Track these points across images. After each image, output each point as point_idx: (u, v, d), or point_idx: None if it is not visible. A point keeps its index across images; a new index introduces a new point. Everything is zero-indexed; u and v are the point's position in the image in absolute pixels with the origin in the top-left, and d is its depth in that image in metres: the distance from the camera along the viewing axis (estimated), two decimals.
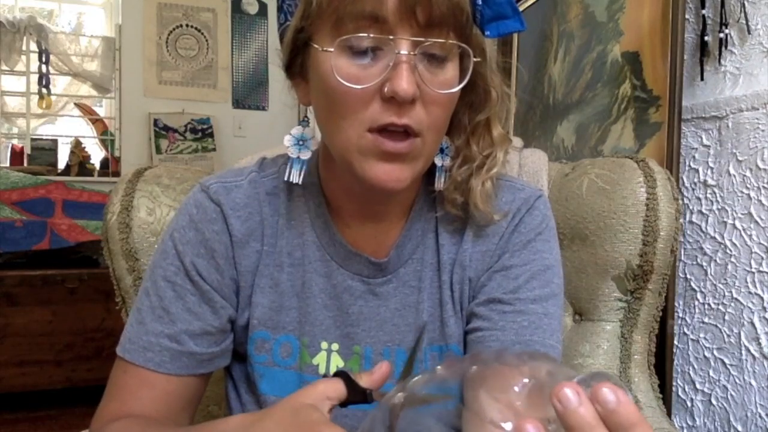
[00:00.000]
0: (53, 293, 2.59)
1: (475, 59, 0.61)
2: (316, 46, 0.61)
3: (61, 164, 3.34)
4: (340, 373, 0.55)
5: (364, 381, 0.55)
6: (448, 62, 0.60)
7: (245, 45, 3.60)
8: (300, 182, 0.69)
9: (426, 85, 0.59)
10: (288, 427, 0.50)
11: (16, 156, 3.30)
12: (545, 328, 0.68)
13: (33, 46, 3.33)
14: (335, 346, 0.71)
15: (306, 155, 0.69)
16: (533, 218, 0.72)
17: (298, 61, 0.66)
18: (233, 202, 0.71)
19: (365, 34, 0.57)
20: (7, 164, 3.26)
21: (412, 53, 0.57)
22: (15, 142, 3.41)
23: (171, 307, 0.69)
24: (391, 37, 0.57)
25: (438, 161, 0.69)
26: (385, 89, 0.58)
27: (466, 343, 0.72)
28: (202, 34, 3.53)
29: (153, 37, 3.43)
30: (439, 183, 0.69)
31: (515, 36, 1.68)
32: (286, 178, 0.69)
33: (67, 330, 2.61)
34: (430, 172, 0.70)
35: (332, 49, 0.58)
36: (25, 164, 3.26)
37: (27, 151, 3.33)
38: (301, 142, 0.69)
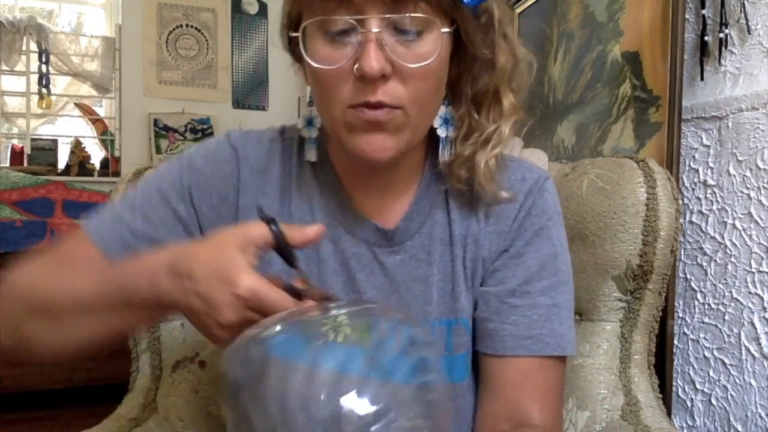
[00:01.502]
0: None
1: (444, 30, 0.61)
2: (293, 34, 0.63)
3: (61, 164, 3.34)
4: (270, 220, 0.55)
5: (295, 237, 0.56)
6: (425, 34, 0.60)
7: (245, 45, 3.59)
8: (316, 160, 0.72)
9: (398, 59, 0.59)
10: (212, 270, 0.52)
11: (16, 156, 3.30)
12: (554, 319, 0.70)
13: (33, 46, 3.32)
14: None
15: (314, 134, 0.71)
16: (545, 200, 0.73)
17: (291, 47, 0.68)
18: (249, 154, 0.72)
19: (325, 17, 0.59)
20: (7, 164, 3.26)
21: (376, 30, 0.58)
22: (15, 142, 3.41)
23: (150, 212, 0.69)
24: (348, 17, 0.58)
25: (442, 132, 0.69)
26: (355, 68, 0.59)
27: (476, 325, 0.73)
28: (202, 34, 3.53)
29: (153, 37, 3.43)
30: (443, 155, 0.69)
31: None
32: (306, 159, 0.72)
33: None
34: (437, 145, 0.70)
35: (298, 35, 0.61)
36: (25, 164, 3.25)
37: (27, 151, 3.33)
38: (310, 122, 0.71)
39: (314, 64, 0.61)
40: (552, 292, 0.71)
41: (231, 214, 0.71)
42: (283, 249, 0.55)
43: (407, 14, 0.58)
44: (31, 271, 0.64)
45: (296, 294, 0.54)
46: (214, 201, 0.71)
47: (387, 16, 0.58)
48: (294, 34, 0.62)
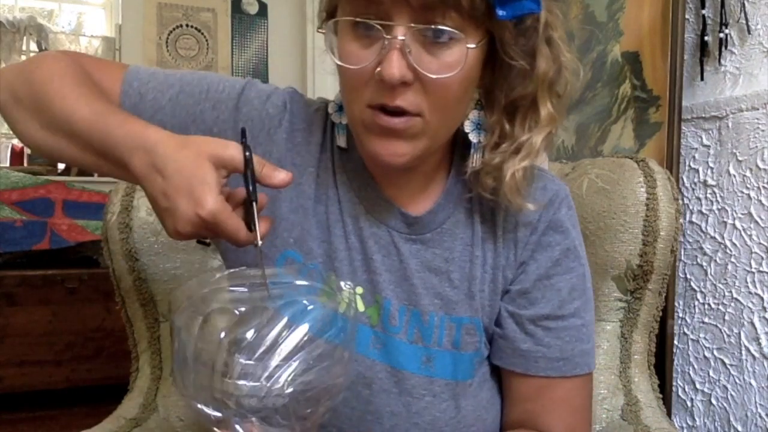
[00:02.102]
0: (53, 293, 2.58)
1: (470, 46, 0.59)
2: (321, 31, 0.64)
3: (62, 164, 3.34)
4: (247, 147, 0.56)
5: (264, 172, 0.58)
6: (454, 43, 0.59)
7: (245, 45, 3.59)
8: (346, 147, 0.72)
9: (421, 69, 0.58)
10: (184, 179, 0.54)
11: (16, 156, 3.30)
12: (583, 338, 0.73)
13: (33, 46, 3.32)
14: (359, 290, 0.71)
15: (345, 120, 0.70)
16: (569, 216, 0.73)
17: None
18: (296, 112, 0.73)
19: (353, 18, 0.59)
20: (7, 164, 3.26)
21: (401, 38, 0.57)
22: (15, 142, 3.41)
23: (183, 98, 0.70)
24: (375, 21, 0.58)
25: (474, 138, 0.68)
26: (376, 71, 0.59)
27: (500, 339, 0.73)
28: (202, 34, 3.53)
29: (153, 37, 3.43)
30: (473, 161, 0.68)
31: None
32: (337, 144, 0.72)
33: (67, 330, 2.60)
34: (466, 145, 0.70)
35: (323, 32, 0.62)
36: (25, 164, 3.25)
37: (27, 150, 3.32)
38: (342, 108, 0.70)
39: (339, 62, 0.61)
40: (582, 312, 0.73)
41: (258, 148, 0.70)
42: (249, 179, 0.57)
43: (433, 26, 0.58)
44: (60, 72, 0.65)
45: (249, 217, 0.57)
46: (247, 129, 0.71)
47: (413, 25, 0.57)
48: (321, 31, 0.62)
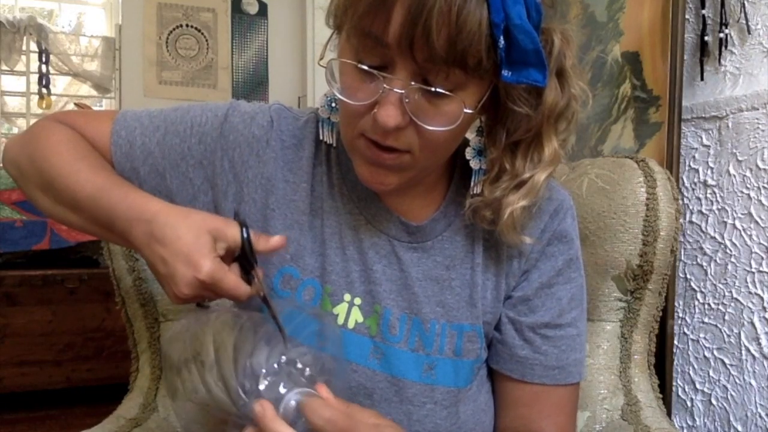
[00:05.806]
0: (53, 293, 2.59)
1: (467, 111, 0.58)
2: (322, 63, 0.62)
3: None
4: (242, 224, 0.60)
5: (260, 243, 0.61)
6: (454, 98, 0.58)
7: (245, 45, 3.59)
8: (333, 143, 0.71)
9: (417, 118, 0.58)
10: (182, 246, 0.57)
11: None
12: (577, 347, 0.73)
13: (33, 46, 3.32)
14: (357, 301, 0.70)
15: (336, 118, 0.69)
16: (574, 227, 0.74)
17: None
18: (284, 128, 0.72)
19: (354, 62, 0.58)
20: None
21: (399, 91, 0.57)
22: None
23: (169, 138, 0.70)
24: (377, 69, 0.57)
25: (475, 165, 0.68)
26: (373, 112, 0.58)
27: (498, 345, 0.74)
28: (202, 34, 3.53)
29: (153, 37, 3.42)
30: (474, 188, 0.68)
31: None
32: (320, 138, 0.71)
33: (67, 330, 2.60)
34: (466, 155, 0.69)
35: (324, 65, 0.61)
36: None
37: None
38: (333, 104, 0.69)
39: (339, 95, 0.61)
40: (578, 322, 0.73)
41: (247, 178, 0.70)
42: (247, 253, 0.60)
43: (433, 89, 0.57)
44: (58, 147, 0.68)
45: (246, 271, 0.61)
46: (235, 158, 0.70)
47: (413, 83, 0.57)
48: (322, 64, 0.61)
